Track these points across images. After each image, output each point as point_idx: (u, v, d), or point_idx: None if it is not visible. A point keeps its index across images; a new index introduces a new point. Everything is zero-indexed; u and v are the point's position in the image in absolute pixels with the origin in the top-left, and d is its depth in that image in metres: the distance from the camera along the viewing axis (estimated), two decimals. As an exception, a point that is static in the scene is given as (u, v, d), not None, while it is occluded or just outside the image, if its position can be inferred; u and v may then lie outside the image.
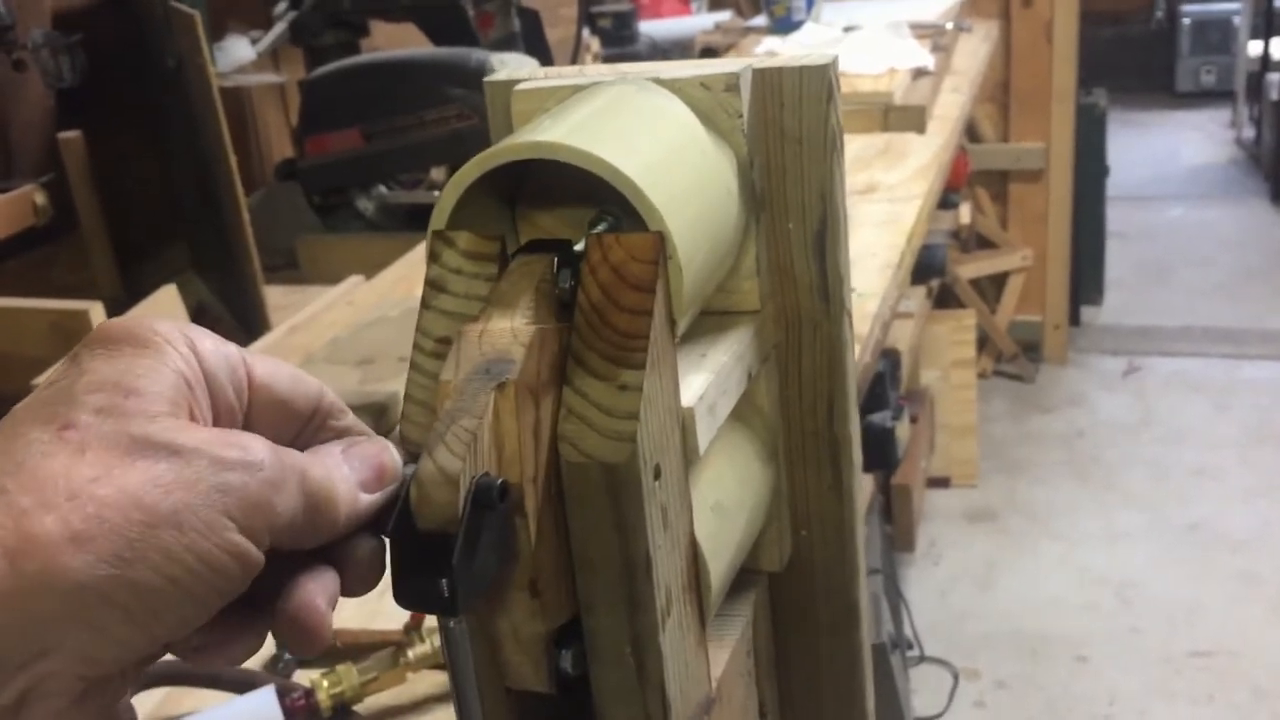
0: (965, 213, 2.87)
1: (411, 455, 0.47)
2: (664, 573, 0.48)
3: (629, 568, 0.47)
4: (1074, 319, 4.00)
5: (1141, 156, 5.70)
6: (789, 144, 0.57)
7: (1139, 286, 4.40)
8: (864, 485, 1.93)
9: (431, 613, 0.44)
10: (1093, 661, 2.61)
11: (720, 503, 0.55)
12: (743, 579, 0.62)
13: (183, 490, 0.38)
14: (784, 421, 0.61)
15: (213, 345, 0.43)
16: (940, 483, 3.29)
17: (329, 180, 1.87)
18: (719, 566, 0.54)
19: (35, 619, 0.36)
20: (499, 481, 0.44)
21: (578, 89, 0.58)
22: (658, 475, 0.48)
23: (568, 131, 0.51)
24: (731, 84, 0.56)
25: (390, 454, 0.46)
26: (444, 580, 0.42)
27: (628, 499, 0.46)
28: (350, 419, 0.49)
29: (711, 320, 0.58)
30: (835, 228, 0.59)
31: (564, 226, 0.54)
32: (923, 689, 2.55)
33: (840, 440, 0.62)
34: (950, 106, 2.33)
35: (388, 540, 0.45)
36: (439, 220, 0.52)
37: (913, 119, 2.10)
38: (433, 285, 0.51)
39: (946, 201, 2.76)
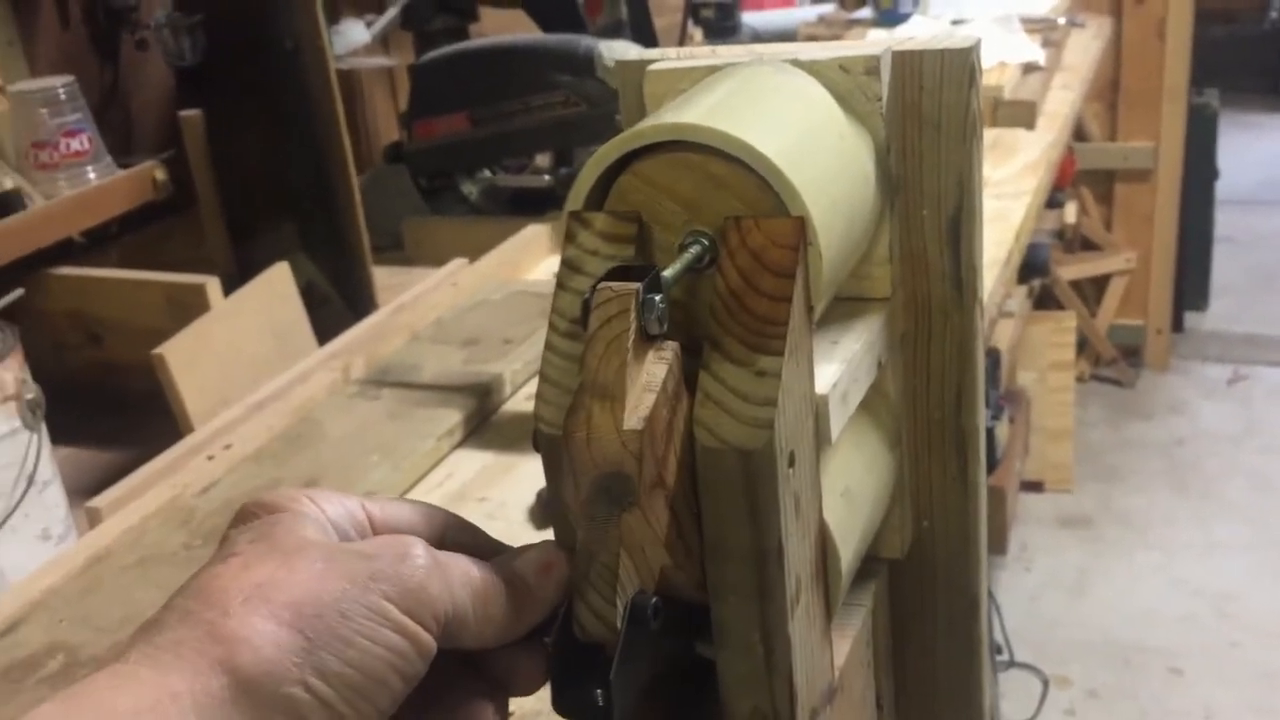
0: (1071, 212, 2.82)
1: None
2: (794, 561, 0.48)
3: (761, 556, 0.47)
4: (1177, 325, 3.90)
5: (1254, 160, 5.53)
6: (927, 129, 0.56)
7: (1247, 293, 4.27)
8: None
9: (591, 716, 0.45)
10: (1188, 674, 2.55)
11: (849, 489, 0.54)
12: (865, 567, 0.62)
13: (341, 580, 0.41)
14: (910, 410, 0.60)
15: (334, 500, 0.47)
16: (1034, 487, 3.23)
17: (435, 164, 1.89)
18: (847, 554, 0.53)
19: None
20: (653, 601, 0.45)
21: (712, 70, 0.57)
22: (792, 463, 0.47)
23: (707, 113, 0.50)
24: (871, 67, 0.55)
25: (555, 554, 0.47)
26: (600, 691, 0.44)
27: (762, 486, 0.46)
28: (484, 535, 0.51)
29: (843, 306, 0.57)
30: (971, 216, 0.58)
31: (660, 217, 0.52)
32: (1011, 695, 2.51)
33: (968, 431, 0.61)
34: (1060, 103, 2.28)
35: (550, 653, 0.46)
36: (575, 201, 0.52)
37: (1022, 115, 2.06)
38: (569, 266, 0.51)
39: (1052, 200, 2.70)
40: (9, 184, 1.42)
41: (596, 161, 0.51)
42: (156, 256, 1.67)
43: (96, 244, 1.63)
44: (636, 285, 0.44)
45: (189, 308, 1.40)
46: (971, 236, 0.58)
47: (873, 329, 0.56)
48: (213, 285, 1.39)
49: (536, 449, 0.50)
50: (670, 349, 0.45)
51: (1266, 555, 2.89)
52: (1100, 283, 3.71)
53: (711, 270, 0.49)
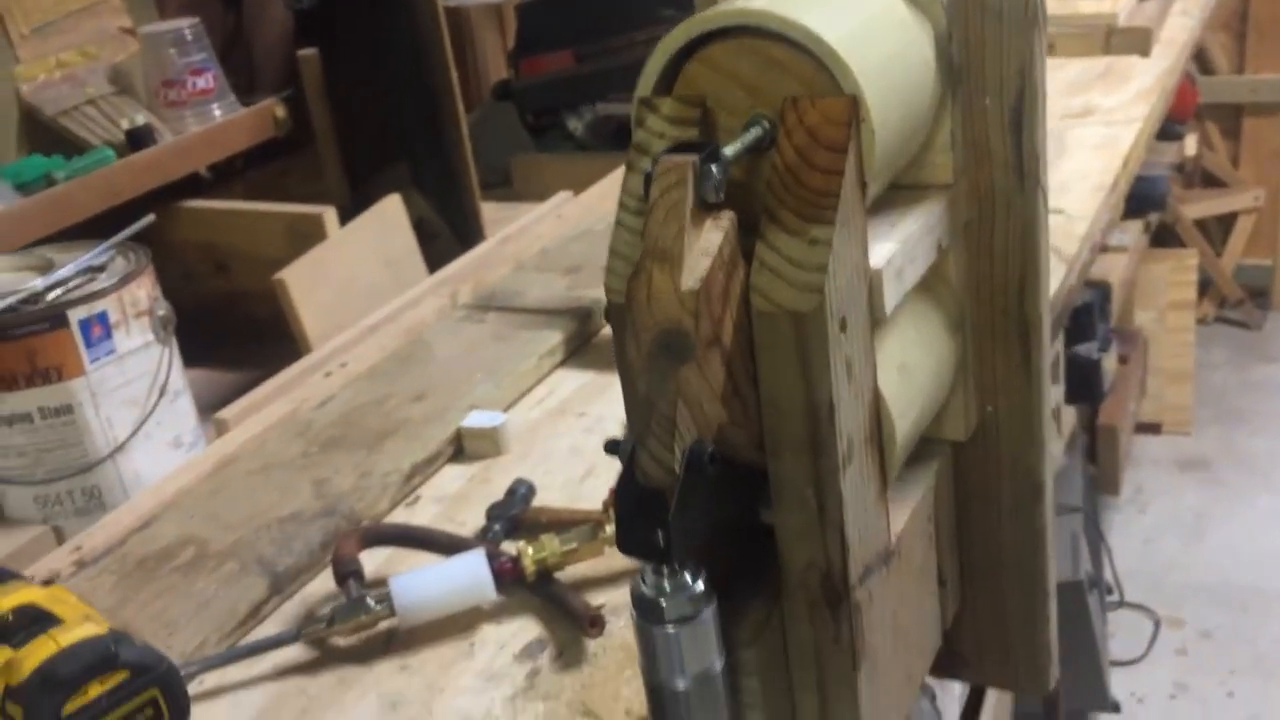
0: (1191, 144, 2.74)
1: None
2: (846, 421, 0.51)
3: (812, 412, 0.50)
4: (1308, 265, 3.77)
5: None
6: (989, 17, 0.58)
7: (1386, 232, 4.09)
8: (1067, 418, 1.89)
9: (649, 560, 0.49)
10: (1308, 618, 2.50)
11: (906, 364, 0.57)
12: (927, 448, 0.64)
13: None
14: (975, 298, 0.62)
15: None
16: (1151, 429, 3.17)
17: (542, 101, 1.94)
18: (903, 424, 0.56)
19: None
20: (710, 450, 0.48)
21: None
22: (844, 328, 0.50)
23: (771, 0, 0.53)
24: (933, -42, 0.57)
25: None
26: (660, 532, 0.47)
27: (814, 347, 0.49)
28: None
29: (905, 194, 0.59)
30: (1033, 104, 0.59)
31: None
32: (1121, 634, 2.49)
33: (1031, 319, 0.63)
34: (1178, 30, 2.22)
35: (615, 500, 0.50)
36: (644, 87, 0.55)
37: (1137, 41, 2.02)
38: (637, 149, 0.54)
39: (1170, 133, 2.63)
40: (141, 120, 1.50)
41: (664, 48, 0.54)
42: (277, 192, 1.75)
43: (222, 180, 1.71)
44: (694, 156, 0.47)
45: (308, 237, 1.47)
46: (1034, 125, 0.60)
47: (933, 213, 0.58)
48: (329, 215, 1.45)
49: (607, 319, 0.53)
50: (727, 218, 0.49)
51: (1396, 500, 2.80)
52: (1226, 221, 3.60)
53: (772, 152, 0.52)
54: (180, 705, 0.54)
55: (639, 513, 0.48)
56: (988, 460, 0.66)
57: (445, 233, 1.84)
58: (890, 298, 0.54)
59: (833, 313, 0.49)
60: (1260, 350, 3.53)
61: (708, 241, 0.47)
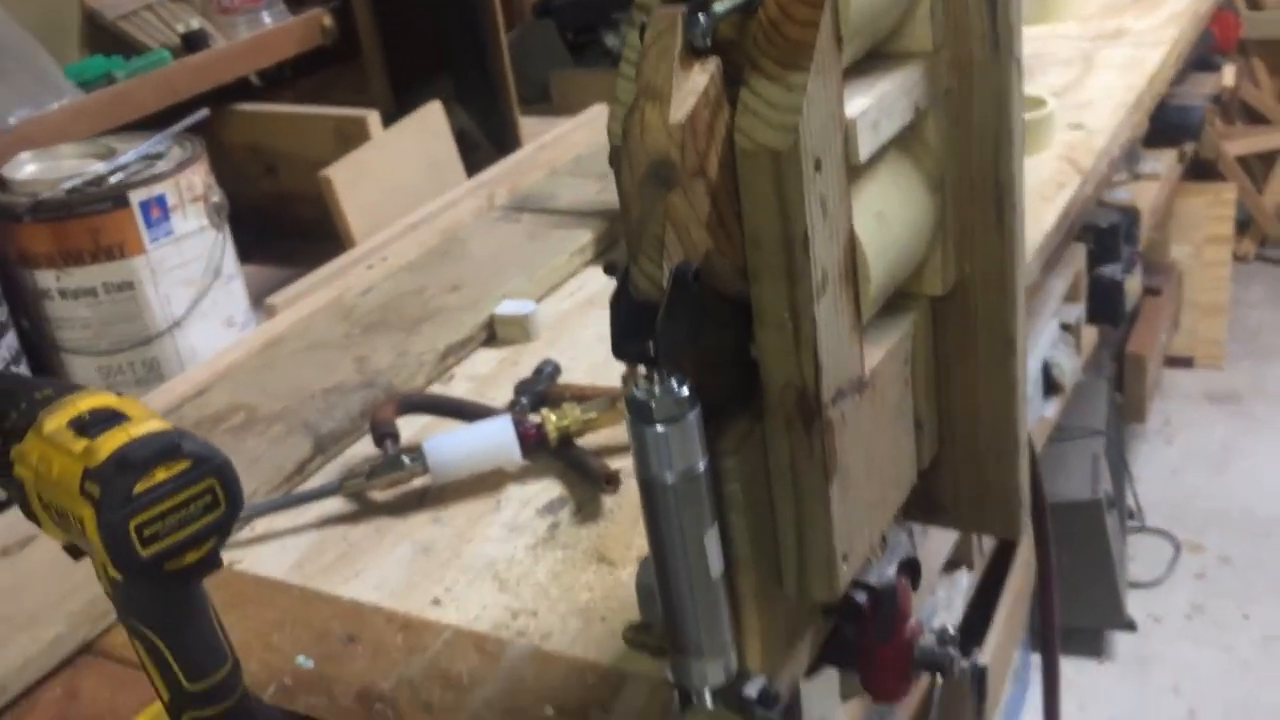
0: (1229, 75, 2.73)
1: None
2: (821, 254, 0.57)
3: (788, 243, 0.56)
4: (1352, 205, 3.75)
5: None
6: (966, -104, 0.63)
7: None
8: (1089, 338, 1.94)
9: (641, 364, 0.56)
10: (1327, 546, 2.54)
11: (883, 213, 0.63)
12: (907, 301, 0.70)
13: None
14: (953, 161, 0.68)
15: None
16: (1183, 362, 3.19)
17: (580, 18, 1.99)
18: (878, 264, 0.62)
19: None
20: (694, 268, 0.54)
21: None
22: (818, 167, 0.56)
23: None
24: None
25: None
26: (650, 342, 0.54)
27: (789, 183, 0.55)
28: None
29: (886, 61, 0.65)
30: (1007, -21, 0.65)
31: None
32: (1141, 557, 2.54)
33: (1004, 182, 0.68)
34: (1216, -43, 2.23)
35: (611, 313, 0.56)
36: (648, -43, 0.61)
37: (1171, -34, 2.03)
38: (639, 7, 0.60)
39: (1209, 63, 2.63)
40: (195, 24, 1.57)
41: (664, -81, 0.59)
42: (324, 101, 1.81)
43: (271, 87, 1.79)
44: (683, 6, 0.53)
45: (353, 139, 1.54)
46: (1008, 1, 0.65)
47: (910, 77, 0.64)
48: (373, 118, 1.52)
49: (611, 163, 0.60)
50: (713, 63, 0.55)
51: None
52: (1269, 159, 3.58)
53: (758, 10, 0.57)
54: (234, 495, 0.62)
55: (632, 324, 0.55)
56: (964, 316, 0.72)
57: (484, 144, 1.90)
58: (864, 146, 0.60)
59: (807, 151, 0.55)
60: (1298, 288, 3.53)
61: (694, 82, 0.53)
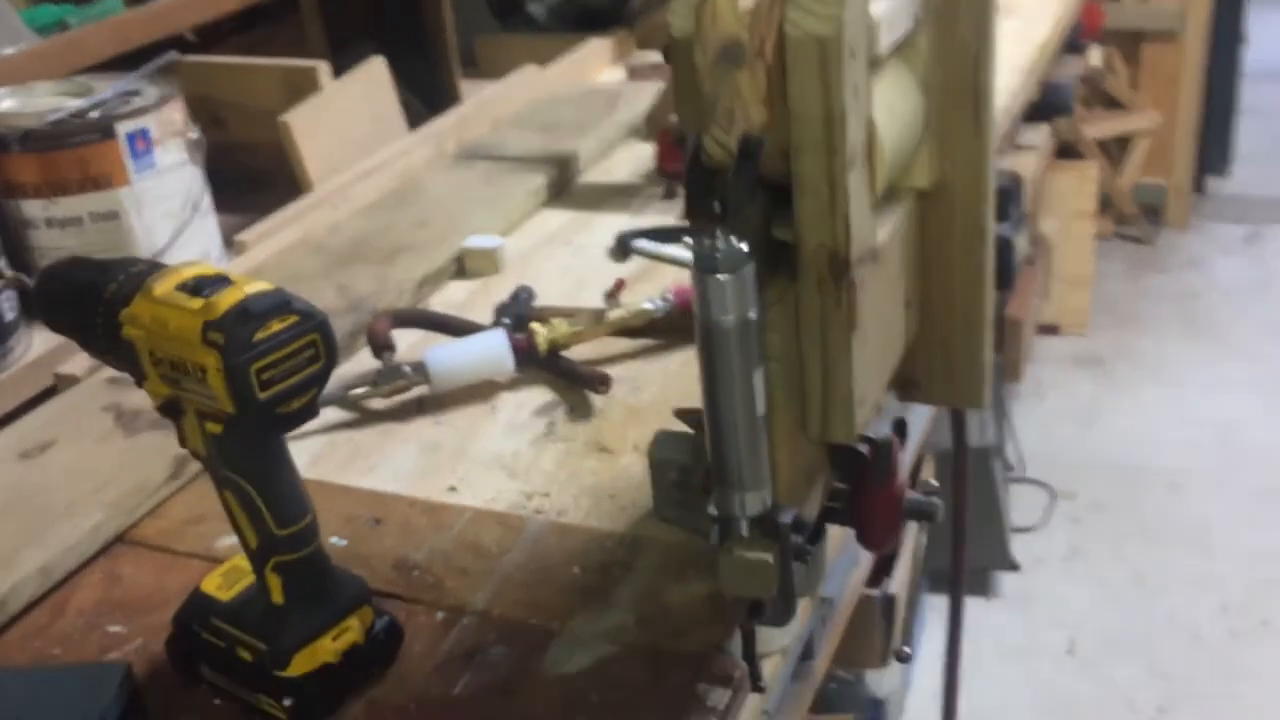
0: (1095, 57, 2.95)
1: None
2: (852, 131, 0.68)
3: (829, 120, 0.66)
4: (1198, 186, 4.04)
5: (1284, 35, 5.58)
6: None
7: (1268, 161, 4.39)
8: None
9: (711, 220, 0.65)
10: (1188, 490, 2.76)
11: (892, 106, 0.74)
12: (899, 194, 0.81)
13: None
14: (941, 70, 0.79)
15: None
16: (1051, 330, 3.42)
17: (505, -15, 2.06)
18: (889, 148, 0.73)
19: None
20: (756, 141, 0.64)
21: None
22: (853, 56, 0.66)
23: None
24: None
25: None
26: (717, 201, 0.63)
27: (831, 67, 0.65)
28: None
29: (890, -22, 0.76)
30: (990, -87, 0.76)
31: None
32: (1021, 505, 2.73)
33: (982, 89, 0.80)
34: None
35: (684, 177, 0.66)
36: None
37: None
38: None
39: (1077, 47, 2.84)
40: (146, -25, 1.60)
41: None
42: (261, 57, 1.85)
43: (207, 44, 1.82)
44: (749, -88, 0.63)
45: (301, 90, 1.59)
46: (990, -71, 0.76)
47: (912, -7, 0.75)
48: (323, 68, 1.58)
49: (666, 59, 0.69)
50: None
51: (1270, 392, 3.08)
52: (1125, 142, 3.84)
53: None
54: (332, 350, 0.69)
55: (702, 187, 0.65)
56: (945, 209, 0.83)
57: (423, 110, 1.96)
58: (885, 41, 0.70)
59: (846, 41, 0.65)
60: (1153, 263, 3.80)
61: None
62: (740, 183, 0.64)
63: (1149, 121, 3.76)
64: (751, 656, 0.82)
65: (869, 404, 0.76)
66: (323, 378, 0.70)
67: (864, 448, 0.80)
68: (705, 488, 0.75)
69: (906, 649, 0.87)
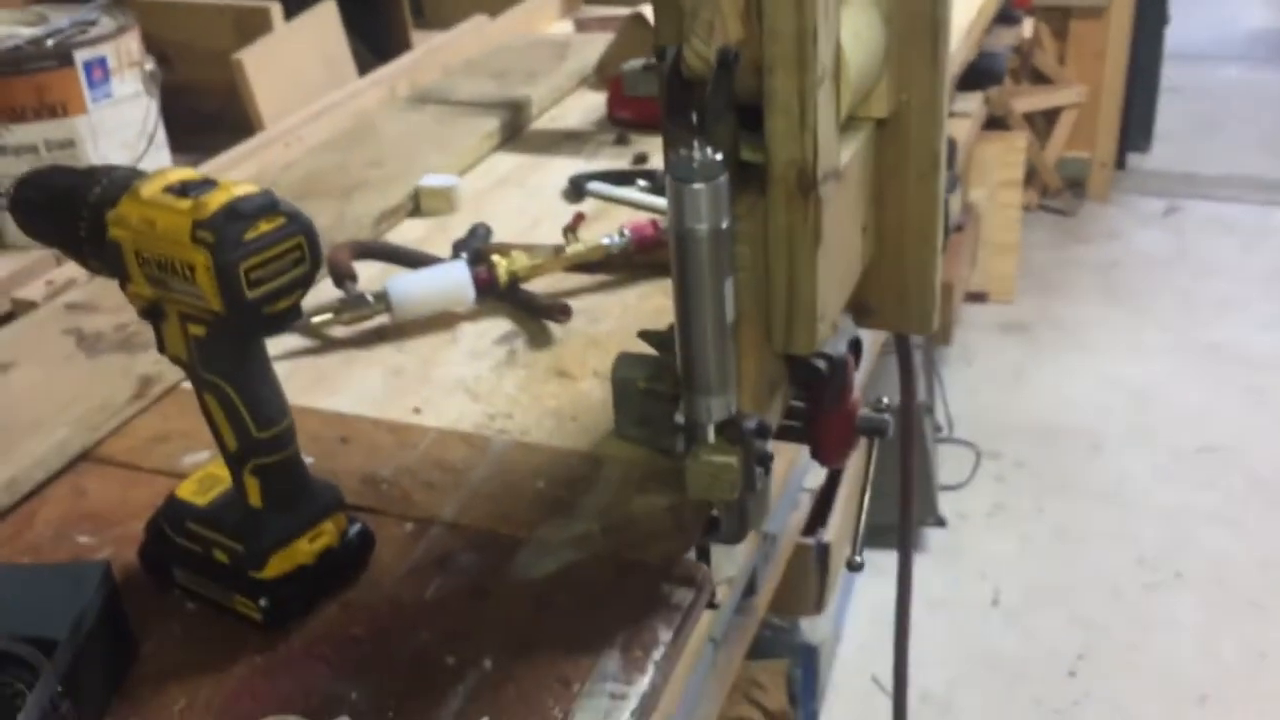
0: (1027, 28, 3.03)
1: None
2: (823, 50, 0.71)
3: (801, 36, 0.69)
4: (1120, 162, 4.16)
5: (1203, 20, 5.73)
6: None
7: (1187, 139, 4.52)
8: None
9: (685, 131, 0.68)
10: (1106, 449, 2.86)
11: (858, 33, 0.77)
12: (859, 123, 0.85)
13: None
14: (901, 3, 0.83)
15: None
16: (978, 297, 3.50)
17: (453, -64, 2.06)
18: (854, 71, 0.76)
19: None
20: (734, 53, 0.67)
21: None
22: (823, -20, 0.70)
23: None
24: None
25: None
26: (694, 114, 0.66)
27: (805, -13, 0.68)
28: None
29: (855, -90, 0.79)
30: None
31: None
32: (948, 463, 2.80)
33: (939, 21, 0.83)
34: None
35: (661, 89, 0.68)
36: None
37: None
38: None
39: (1010, 17, 2.91)
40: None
41: None
42: (208, 1, 1.84)
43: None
44: None
45: (252, 31, 1.59)
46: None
47: (877, -76, 0.78)
48: (275, 9, 1.57)
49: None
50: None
51: (1185, 357, 3.19)
52: (1051, 117, 3.94)
53: None
54: (317, 254, 0.71)
55: (680, 99, 0.67)
56: (900, 137, 0.87)
57: (374, 61, 1.96)
58: (851, -31, 0.74)
59: (818, -38, 0.68)
60: (1076, 233, 3.91)
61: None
62: (718, 94, 0.67)
63: (1075, 96, 3.86)
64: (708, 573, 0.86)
65: (829, 320, 0.80)
66: (307, 281, 0.72)
67: (821, 364, 0.84)
68: (672, 396, 0.78)
69: (859, 558, 0.91)
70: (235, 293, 0.68)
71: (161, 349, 0.77)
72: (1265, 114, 4.73)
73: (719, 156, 0.69)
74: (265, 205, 0.68)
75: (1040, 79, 3.90)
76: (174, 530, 0.81)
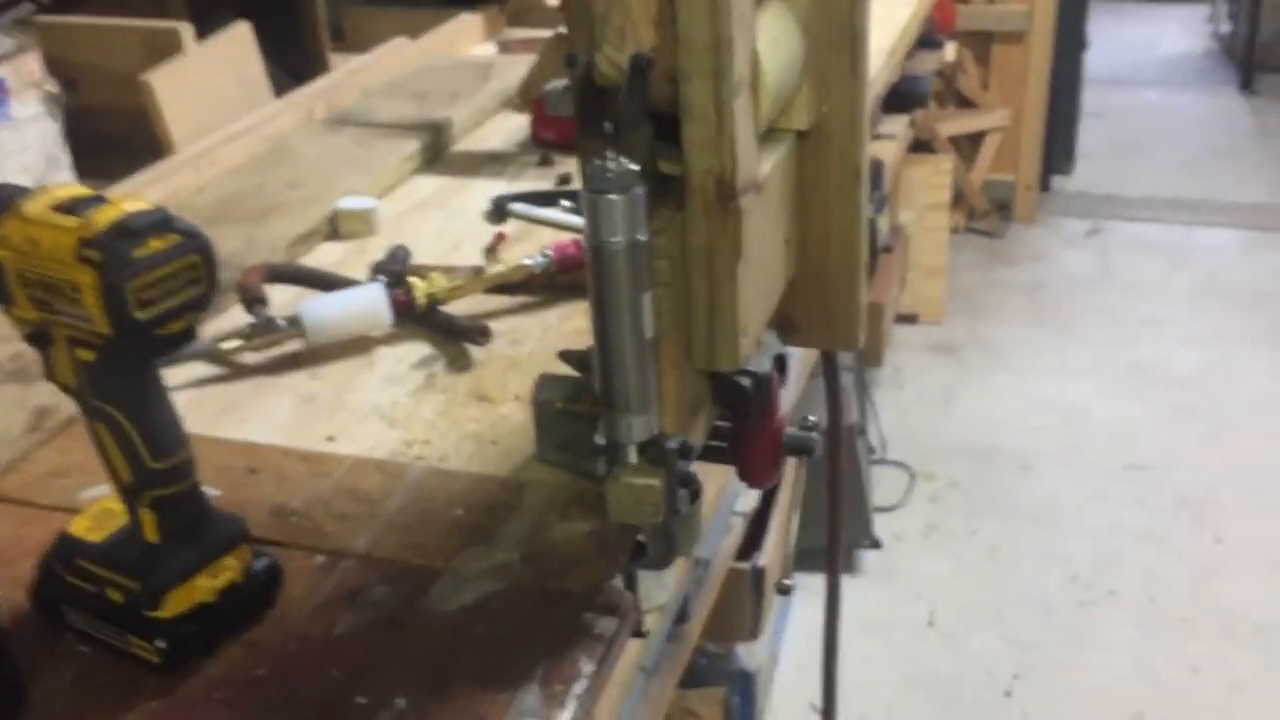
0: (950, 52, 3.06)
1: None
2: (738, 58, 0.69)
3: (716, 45, 0.67)
4: (1044, 185, 4.21)
5: (1122, 44, 5.86)
6: None
7: (1109, 161, 4.60)
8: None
9: (599, 141, 0.65)
10: (1036, 470, 2.87)
11: (775, 40, 0.75)
12: (779, 135, 0.83)
13: None
14: (819, 11, 0.81)
15: None
16: (908, 319, 3.52)
17: (373, -41, 2.04)
18: (772, 81, 0.74)
19: None
20: (647, 59, 0.65)
21: None
22: (736, -13, 0.68)
23: None
24: None
25: None
26: (608, 123, 0.64)
27: (717, -6, 0.66)
28: None
29: (771, -82, 0.77)
30: None
31: None
32: (883, 485, 2.80)
33: (858, 31, 0.82)
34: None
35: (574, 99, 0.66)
36: None
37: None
38: None
39: (932, 42, 2.93)
40: (-5, -71, 1.54)
41: None
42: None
43: (62, 7, 1.75)
44: None
45: (162, 52, 1.55)
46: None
47: (792, -67, 0.77)
48: (186, 30, 1.53)
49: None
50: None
51: (1111, 376, 3.23)
52: (976, 140, 3.98)
53: None
54: (214, 272, 0.67)
55: (593, 108, 0.65)
56: (821, 150, 0.85)
57: (291, 84, 1.92)
58: (766, -25, 0.72)
59: (729, -28, 0.66)
60: (1002, 255, 3.95)
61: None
62: (632, 101, 0.65)
63: (999, 120, 3.91)
64: (634, 601, 0.83)
65: (752, 335, 0.78)
66: (203, 302, 0.68)
67: (746, 381, 0.82)
68: (592, 416, 0.76)
69: (788, 581, 0.88)
70: (124, 314, 0.64)
71: (50, 376, 0.72)
72: (1184, 136, 4.83)
73: (635, 167, 0.67)
74: (158, 222, 0.65)
75: (964, 103, 3.94)
76: (65, 569, 0.76)
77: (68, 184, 0.69)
